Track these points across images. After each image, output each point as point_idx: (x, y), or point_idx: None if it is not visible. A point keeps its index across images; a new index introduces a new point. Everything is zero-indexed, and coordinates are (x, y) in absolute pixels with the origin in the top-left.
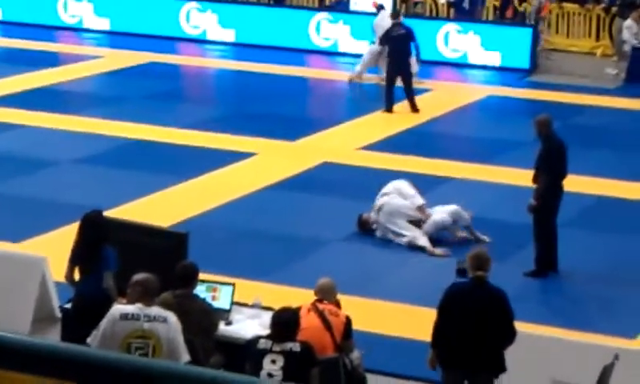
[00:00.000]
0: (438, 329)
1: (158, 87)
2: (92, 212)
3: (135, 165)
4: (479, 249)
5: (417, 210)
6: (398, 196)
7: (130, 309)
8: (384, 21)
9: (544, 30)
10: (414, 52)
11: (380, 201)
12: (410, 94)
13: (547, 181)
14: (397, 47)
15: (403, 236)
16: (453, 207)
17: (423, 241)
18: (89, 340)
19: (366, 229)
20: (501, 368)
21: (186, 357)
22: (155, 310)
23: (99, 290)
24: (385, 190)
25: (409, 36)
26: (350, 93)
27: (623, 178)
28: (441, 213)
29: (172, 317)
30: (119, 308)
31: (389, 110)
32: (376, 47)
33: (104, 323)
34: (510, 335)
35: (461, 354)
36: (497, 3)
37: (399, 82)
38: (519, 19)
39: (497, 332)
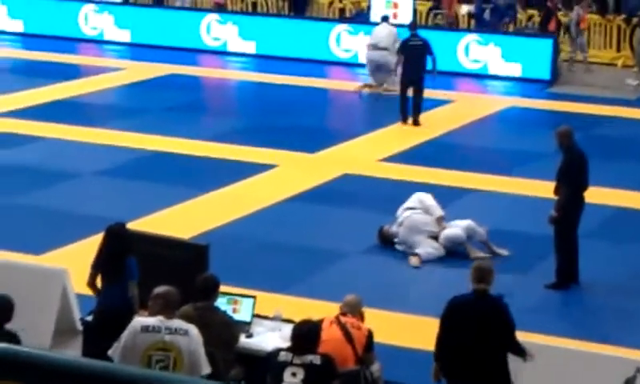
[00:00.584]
0: (441, 341)
1: (178, 99)
2: (115, 224)
3: (156, 177)
4: (482, 261)
5: (436, 222)
6: (422, 210)
7: (151, 321)
8: (381, 32)
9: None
10: (429, 65)
11: (403, 215)
12: (418, 105)
13: (568, 192)
14: (412, 57)
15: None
16: (467, 222)
17: (419, 249)
18: (110, 352)
19: (386, 241)
20: (506, 381)
21: (207, 369)
22: (177, 323)
23: (122, 301)
24: (408, 203)
25: (425, 47)
26: (370, 104)
27: None
28: (454, 228)
29: (193, 329)
30: (140, 320)
31: (404, 120)
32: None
33: (125, 335)
34: (512, 347)
35: (463, 367)
36: (535, 15)
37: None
38: (564, 31)
39: (498, 344)
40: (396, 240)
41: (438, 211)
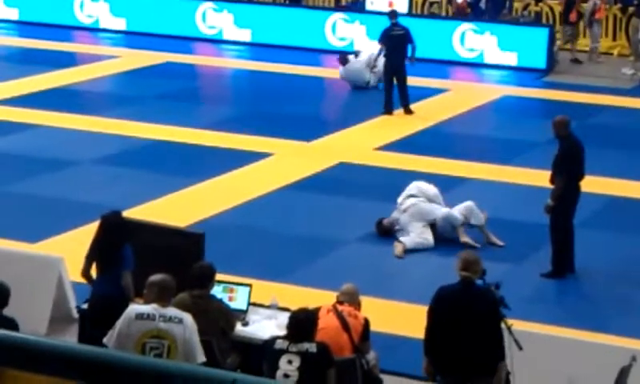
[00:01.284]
0: (430, 333)
1: (174, 87)
2: (110, 213)
3: (152, 165)
4: (468, 251)
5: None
6: (425, 199)
7: (146, 309)
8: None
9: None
10: (409, 52)
11: (408, 202)
12: (405, 94)
13: (564, 181)
14: (396, 47)
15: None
16: (468, 203)
17: (405, 239)
18: (105, 340)
19: (384, 233)
20: (492, 374)
21: (201, 357)
22: (171, 311)
23: (116, 289)
24: (409, 191)
25: (406, 36)
26: (366, 93)
27: None
28: (453, 209)
29: (188, 318)
30: (135, 308)
31: (390, 112)
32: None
33: (120, 323)
34: (499, 338)
35: (452, 359)
36: (560, 6)
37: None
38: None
39: (486, 334)
40: (397, 227)
41: (440, 199)
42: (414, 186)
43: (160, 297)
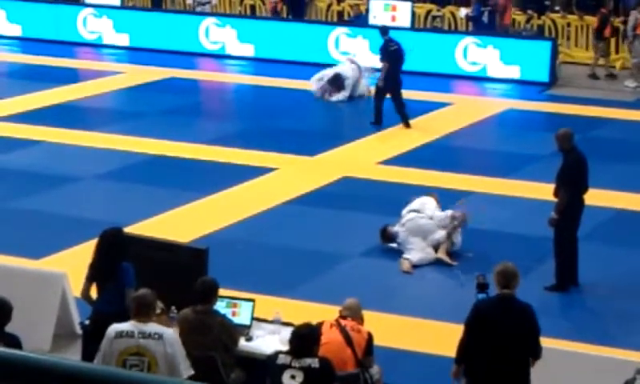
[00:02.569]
0: (465, 345)
1: (177, 102)
2: (110, 229)
3: (155, 180)
4: (506, 264)
5: (450, 218)
6: (427, 216)
7: (125, 326)
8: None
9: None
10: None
11: (407, 216)
12: (403, 109)
13: (568, 195)
14: (394, 62)
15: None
16: (444, 214)
17: (411, 255)
18: (95, 361)
19: (388, 240)
20: None
21: (187, 372)
22: (151, 327)
23: (117, 307)
24: (413, 205)
25: (401, 50)
26: (369, 107)
27: None
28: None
29: (169, 334)
30: (115, 326)
31: (378, 122)
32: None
33: (103, 343)
34: (535, 352)
35: (489, 372)
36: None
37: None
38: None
39: (524, 349)
40: (398, 241)
41: (447, 214)
42: (419, 201)
43: (138, 312)
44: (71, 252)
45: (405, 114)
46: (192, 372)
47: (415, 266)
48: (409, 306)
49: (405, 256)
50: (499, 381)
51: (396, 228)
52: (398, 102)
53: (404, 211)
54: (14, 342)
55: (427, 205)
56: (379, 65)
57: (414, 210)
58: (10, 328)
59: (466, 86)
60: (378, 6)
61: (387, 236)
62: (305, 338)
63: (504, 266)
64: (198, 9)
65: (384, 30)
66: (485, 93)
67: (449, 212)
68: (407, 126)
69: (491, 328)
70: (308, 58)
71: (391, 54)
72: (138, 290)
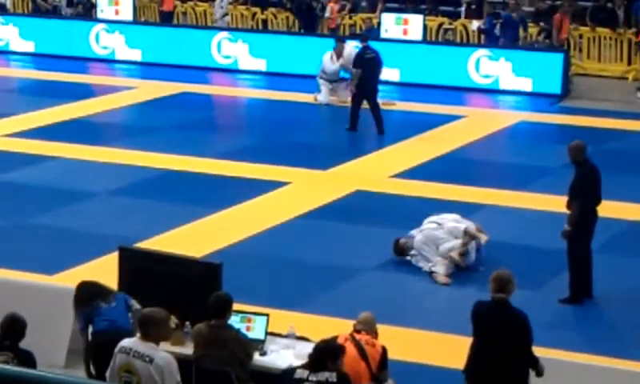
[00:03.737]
0: (471, 348)
1: (190, 117)
2: (84, 283)
3: (168, 195)
4: (501, 271)
5: (464, 234)
6: (445, 232)
7: (127, 342)
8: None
9: None
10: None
11: (427, 225)
12: (379, 116)
13: (581, 207)
14: (369, 70)
15: (426, 264)
16: (450, 226)
17: (437, 268)
18: (106, 374)
19: (401, 253)
20: None
21: None
22: (145, 348)
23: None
24: (435, 218)
25: (377, 59)
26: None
27: None
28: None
29: (160, 359)
30: (122, 342)
31: (353, 128)
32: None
33: (113, 356)
34: (528, 360)
35: (481, 375)
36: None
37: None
38: None
39: (515, 355)
40: (412, 251)
41: (460, 229)
42: (442, 216)
43: (140, 330)
44: (85, 267)
45: (380, 119)
46: None
47: (448, 276)
48: (423, 320)
49: (433, 270)
50: (493, 379)
51: (413, 232)
52: (373, 109)
53: (426, 221)
54: (29, 357)
55: (448, 218)
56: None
57: (435, 222)
58: (24, 344)
59: (479, 98)
60: (389, 19)
61: (400, 248)
62: (322, 352)
63: (499, 272)
64: (219, 23)
65: (364, 38)
66: (497, 105)
67: (462, 226)
68: (380, 132)
69: (486, 328)
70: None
71: (366, 61)
72: (154, 306)
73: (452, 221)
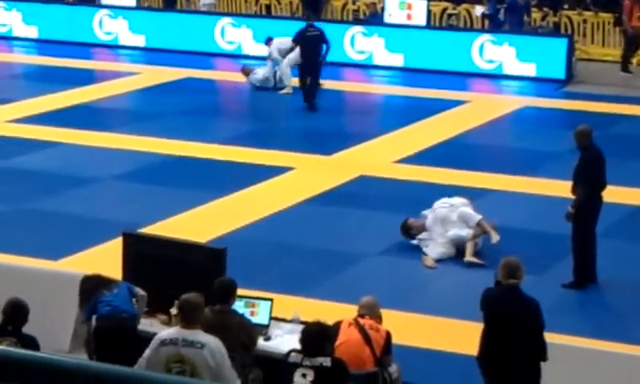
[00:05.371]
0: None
1: (194, 103)
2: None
3: (173, 181)
4: (510, 257)
5: (477, 227)
6: (458, 217)
7: (169, 333)
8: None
9: None
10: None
11: (440, 204)
12: (314, 92)
13: (585, 191)
14: (310, 47)
15: (427, 245)
16: (460, 212)
17: (432, 250)
18: (135, 367)
19: (407, 232)
20: (534, 380)
21: (235, 382)
22: (194, 335)
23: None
24: (450, 200)
25: (321, 37)
26: (383, 106)
27: None
28: (461, 231)
29: (212, 343)
30: (161, 334)
31: (312, 107)
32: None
33: (148, 349)
34: (539, 346)
35: (492, 361)
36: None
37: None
38: None
39: (527, 341)
40: (421, 235)
41: (475, 218)
42: (455, 199)
43: (183, 318)
44: (89, 253)
45: (312, 97)
46: (239, 382)
47: (437, 261)
48: (428, 304)
49: (425, 251)
50: (502, 372)
51: (426, 212)
52: (312, 86)
53: (437, 202)
54: (32, 342)
55: (459, 202)
56: None
57: (448, 203)
58: (28, 329)
59: (482, 83)
60: (393, 4)
61: (407, 227)
62: (315, 337)
63: (508, 258)
64: (202, 7)
65: (308, 16)
66: (501, 90)
67: (478, 217)
68: (311, 108)
69: (497, 314)
70: None
71: (307, 38)
72: (158, 291)
73: (462, 204)
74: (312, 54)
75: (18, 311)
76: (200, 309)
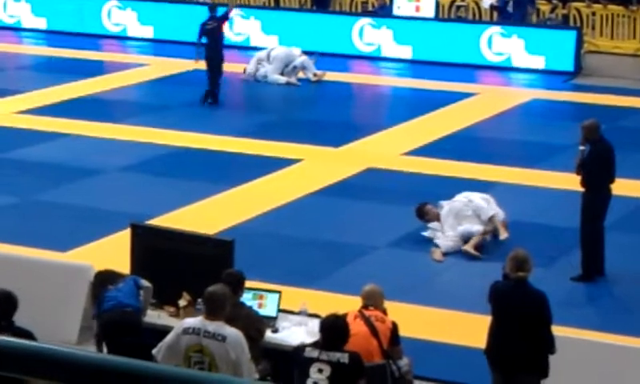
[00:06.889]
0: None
1: (202, 94)
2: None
3: (180, 172)
4: (518, 250)
5: (489, 221)
6: (472, 211)
7: (194, 322)
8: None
9: None
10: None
11: (459, 197)
12: (215, 83)
13: (594, 185)
14: (209, 39)
15: (437, 236)
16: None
17: (441, 242)
18: (154, 351)
19: (422, 216)
20: (543, 372)
21: (251, 376)
22: (216, 326)
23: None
24: (468, 194)
25: (218, 29)
26: (390, 98)
27: None
28: (473, 226)
29: (234, 336)
30: (185, 321)
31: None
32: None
33: (170, 336)
34: (547, 339)
35: (501, 354)
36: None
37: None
38: None
39: (535, 334)
40: (433, 224)
41: (488, 213)
42: (475, 194)
43: (207, 310)
44: (97, 244)
45: (215, 89)
46: (257, 376)
47: (445, 254)
48: (436, 297)
49: (436, 242)
50: (510, 365)
51: (444, 202)
52: (214, 78)
53: (458, 195)
54: (29, 337)
55: (478, 197)
56: None
57: (467, 197)
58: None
59: (491, 76)
60: None
61: (422, 210)
62: (335, 332)
63: (516, 251)
64: None
65: (211, 8)
66: (509, 83)
67: (491, 212)
68: (213, 101)
69: (505, 307)
70: (332, 49)
71: (207, 31)
72: (166, 283)
73: (480, 198)
74: (211, 46)
75: (5, 305)
76: (224, 301)
